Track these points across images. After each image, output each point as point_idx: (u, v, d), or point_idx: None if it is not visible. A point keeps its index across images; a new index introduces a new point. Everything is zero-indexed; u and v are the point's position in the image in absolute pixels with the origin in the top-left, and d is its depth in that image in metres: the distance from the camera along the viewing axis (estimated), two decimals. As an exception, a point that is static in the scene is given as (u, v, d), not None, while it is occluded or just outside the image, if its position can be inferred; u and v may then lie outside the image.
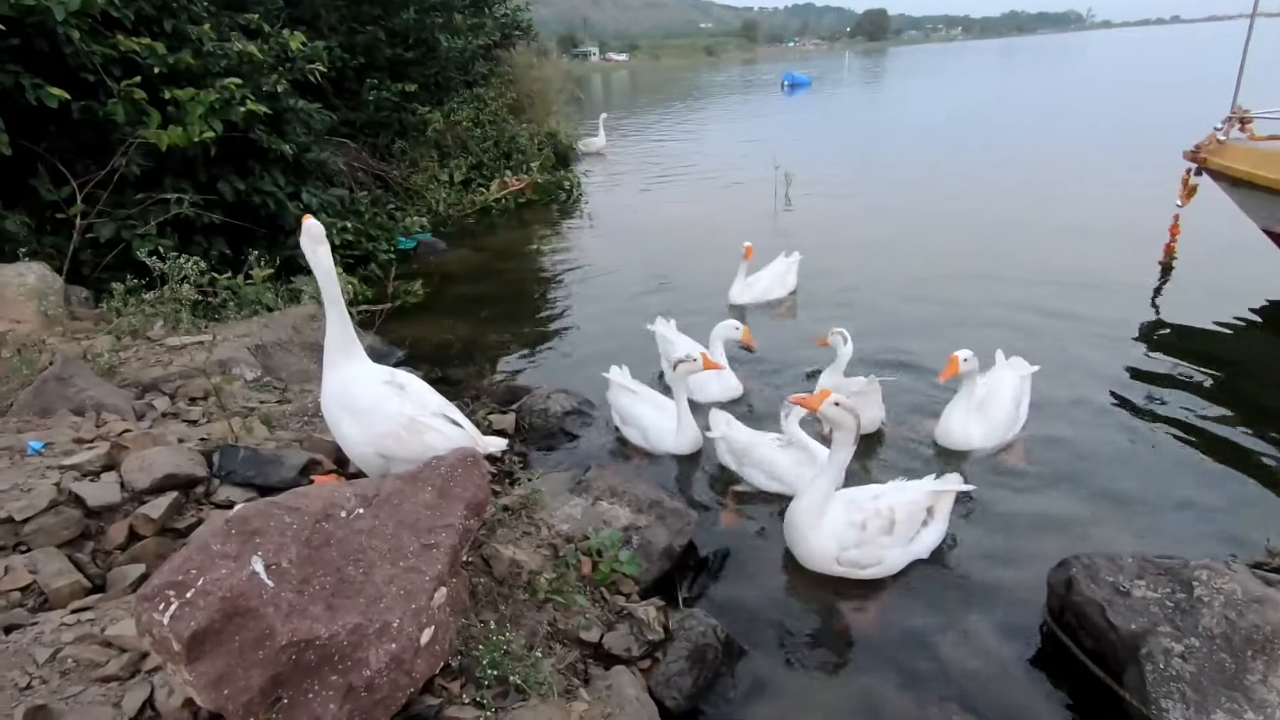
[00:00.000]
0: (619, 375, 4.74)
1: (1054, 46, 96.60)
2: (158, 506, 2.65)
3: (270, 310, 6.04)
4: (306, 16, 10.91)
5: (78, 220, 6.04)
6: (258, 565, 1.67)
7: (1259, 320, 6.23)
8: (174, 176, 6.94)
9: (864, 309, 6.74)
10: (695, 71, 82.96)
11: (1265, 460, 4.11)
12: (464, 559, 2.56)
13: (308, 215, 2.95)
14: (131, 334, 5.07)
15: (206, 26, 7.50)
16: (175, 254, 5.44)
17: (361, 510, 1.99)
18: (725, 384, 5.08)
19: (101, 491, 2.68)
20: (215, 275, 5.91)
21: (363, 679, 1.77)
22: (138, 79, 6.35)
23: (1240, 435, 4.37)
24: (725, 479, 4.19)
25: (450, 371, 5.98)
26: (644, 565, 3.17)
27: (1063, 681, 2.79)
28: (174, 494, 2.75)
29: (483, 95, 13.18)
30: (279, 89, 7.89)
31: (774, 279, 7.13)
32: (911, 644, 3.02)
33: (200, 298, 5.51)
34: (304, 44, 8.36)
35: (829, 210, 11.00)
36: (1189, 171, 7.01)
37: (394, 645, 1.83)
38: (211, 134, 6.61)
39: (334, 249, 7.19)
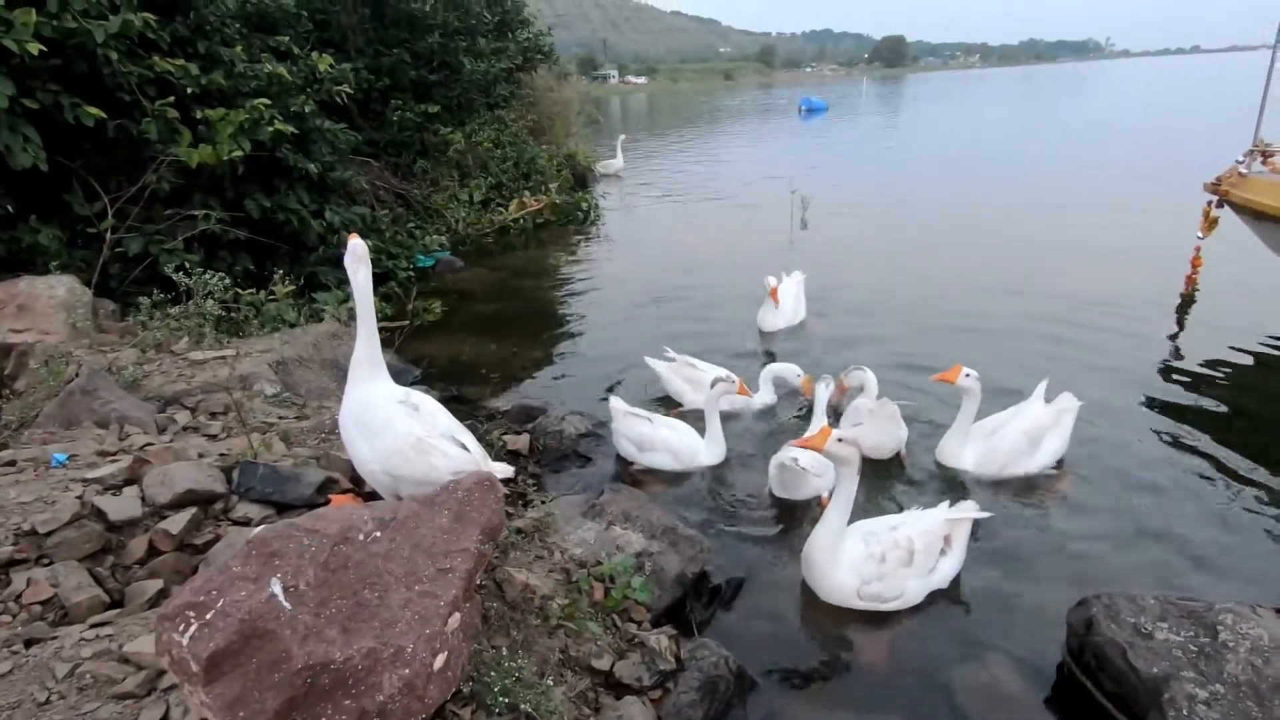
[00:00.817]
0: (623, 404, 4.71)
1: (1073, 75, 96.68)
2: (177, 522, 2.68)
3: (291, 326, 6.13)
4: (335, 39, 11.19)
5: (108, 235, 6.19)
6: (276, 587, 1.69)
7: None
8: (202, 193, 7.11)
9: (874, 334, 6.73)
10: (713, 95, 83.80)
11: (1289, 500, 4.04)
12: (478, 583, 2.56)
13: (354, 234, 3.03)
14: (156, 347, 5.16)
15: (239, 48, 7.73)
16: (201, 269, 5.55)
17: (378, 533, 2.00)
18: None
19: (123, 506, 2.72)
20: (239, 291, 6.02)
21: (375, 704, 1.77)
22: (171, 99, 6.54)
23: (1264, 475, 4.29)
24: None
25: (466, 390, 6.02)
26: (656, 593, 3.15)
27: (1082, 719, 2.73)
28: (193, 509, 2.78)
29: (503, 117, 13.40)
30: (306, 109, 8.08)
31: (794, 301, 7.15)
32: (926, 680, 2.98)
33: (224, 313, 5.61)
34: (332, 66, 8.57)
35: (844, 235, 11.01)
36: (1210, 204, 6.98)
37: (407, 670, 1.83)
38: (240, 153, 6.77)
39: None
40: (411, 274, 9.13)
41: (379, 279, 8.77)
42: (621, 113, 46.73)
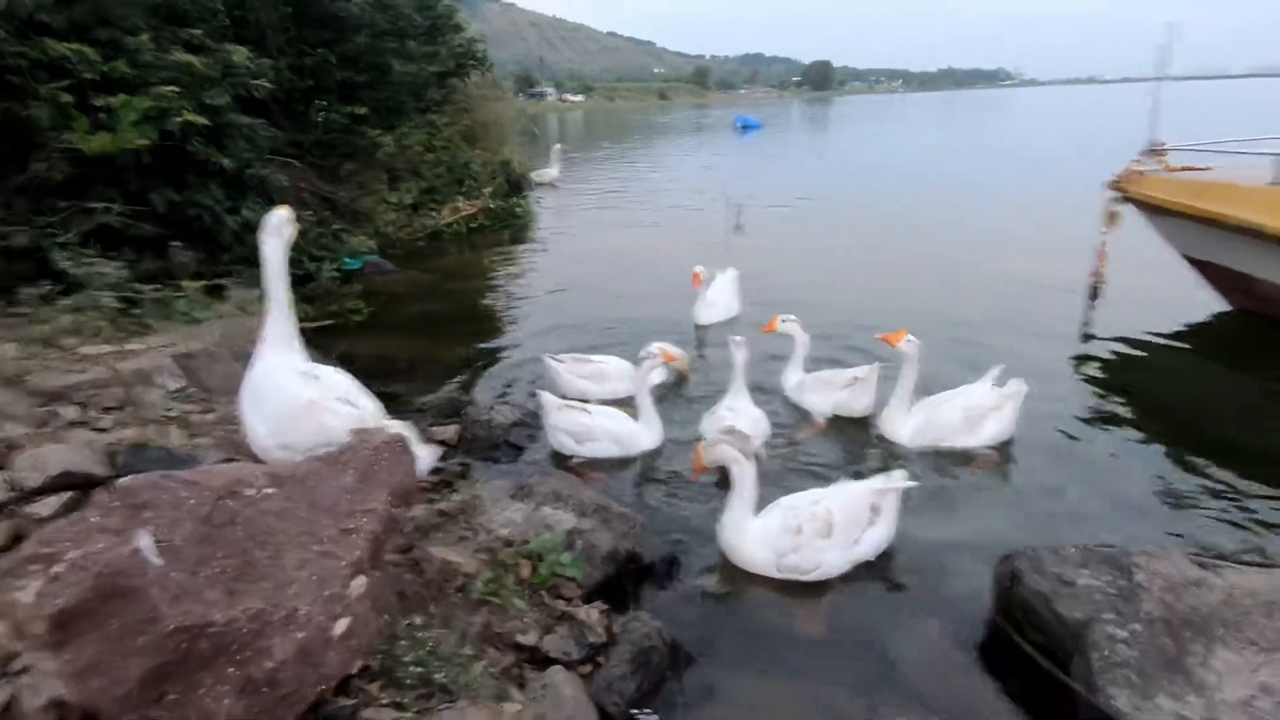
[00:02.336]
0: (556, 398, 4.59)
1: (986, 100, 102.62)
2: (48, 505, 2.41)
3: (201, 324, 5.75)
4: (253, 37, 10.71)
5: (-11, 227, 5.69)
6: (144, 541, 1.50)
7: (1180, 338, 6.55)
8: (102, 185, 6.64)
9: (809, 326, 6.81)
10: (649, 113, 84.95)
11: (1189, 465, 4.27)
12: (391, 558, 2.39)
13: (284, 206, 2.87)
14: (43, 342, 4.73)
15: (145, 38, 7.29)
16: (94, 260, 5.16)
17: (271, 490, 1.83)
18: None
19: (-17, 490, 2.43)
20: (140, 287, 5.63)
21: (264, 671, 1.59)
22: (65, 82, 6.09)
23: (1163, 444, 4.54)
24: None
25: (393, 387, 5.74)
26: (587, 569, 3.03)
27: (1013, 675, 2.75)
28: (69, 494, 2.51)
29: (435, 121, 13.12)
30: (221, 102, 7.68)
31: (729, 296, 7.20)
32: (861, 646, 2.95)
33: (124, 307, 5.21)
34: (249, 58, 8.19)
35: (779, 240, 11.21)
36: (1112, 200, 7.40)
37: (301, 635, 1.66)
38: (145, 142, 6.35)
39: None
40: (336, 276, 8.76)
41: (301, 280, 8.38)
42: (559, 128, 46.64)
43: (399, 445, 2.16)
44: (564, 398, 4.66)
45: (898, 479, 3.48)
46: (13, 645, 1.59)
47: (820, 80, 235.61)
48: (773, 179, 18.92)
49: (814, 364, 5.33)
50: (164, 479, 1.65)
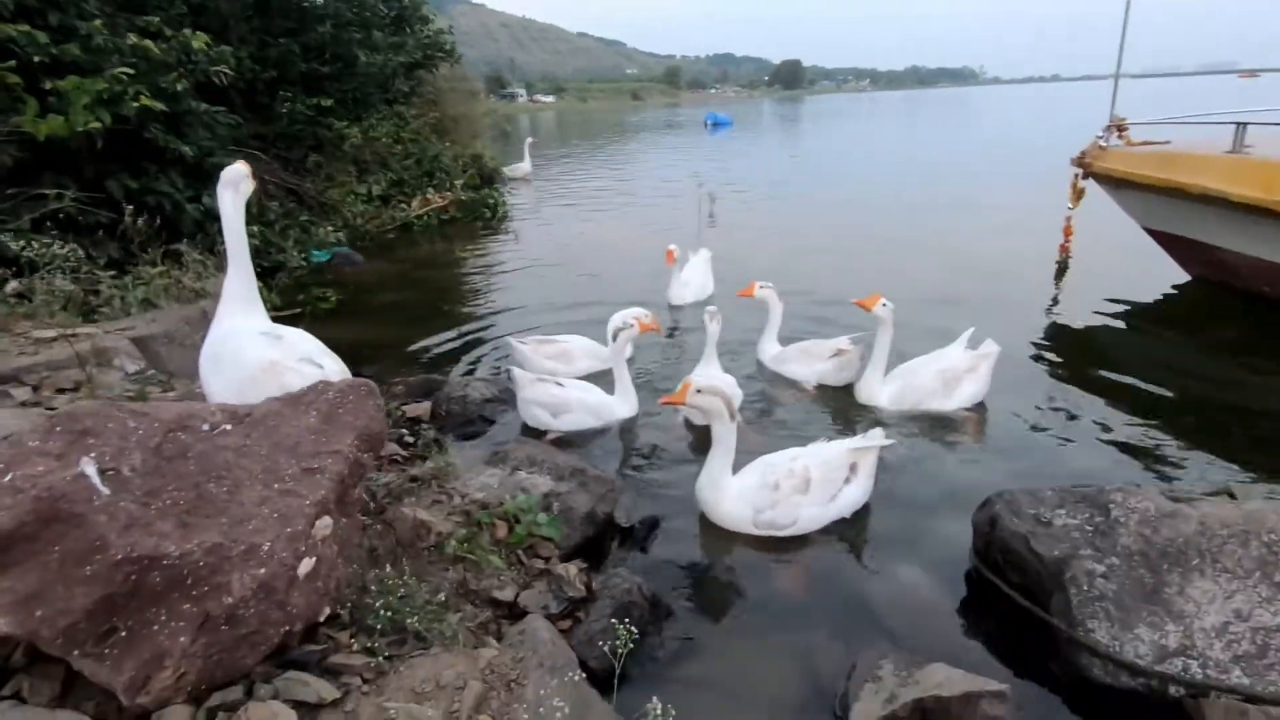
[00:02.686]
0: (528, 373, 4.52)
1: (952, 98, 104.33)
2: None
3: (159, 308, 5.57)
4: (214, 26, 10.46)
5: (-68, 214, 5.46)
6: (89, 467, 1.42)
7: (1142, 307, 6.70)
8: (54, 172, 6.41)
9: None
10: (621, 113, 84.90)
11: (1155, 418, 4.37)
12: (361, 519, 2.31)
13: (241, 161, 2.80)
14: (-8, 327, 4.54)
15: (98, 23, 7.05)
16: (48, 244, 4.97)
17: (229, 426, 1.74)
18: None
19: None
20: (97, 273, 5.45)
21: (223, 607, 1.51)
22: (12, 63, 5.86)
23: (1129, 400, 4.65)
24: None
25: (364, 370, 5.60)
26: (565, 530, 2.97)
27: (994, 617, 2.75)
28: (17, 458, 2.39)
29: (403, 113, 12.94)
30: (179, 88, 7.47)
31: (703, 276, 7.19)
32: (841, 596, 2.94)
33: (78, 291, 5.03)
34: (208, 44, 7.98)
35: (751, 229, 11.22)
36: (1076, 176, 7.54)
37: (263, 571, 1.58)
38: (98, 124, 6.14)
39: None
40: (303, 267, 8.59)
41: (269, 271, 8.18)
42: (531, 128, 46.34)
43: (364, 389, 2.08)
44: None
45: (875, 438, 3.47)
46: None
47: (790, 79, 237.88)
48: (742, 172, 18.98)
49: (786, 335, 5.34)
50: (110, 407, 1.56)
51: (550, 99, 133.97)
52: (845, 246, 9.43)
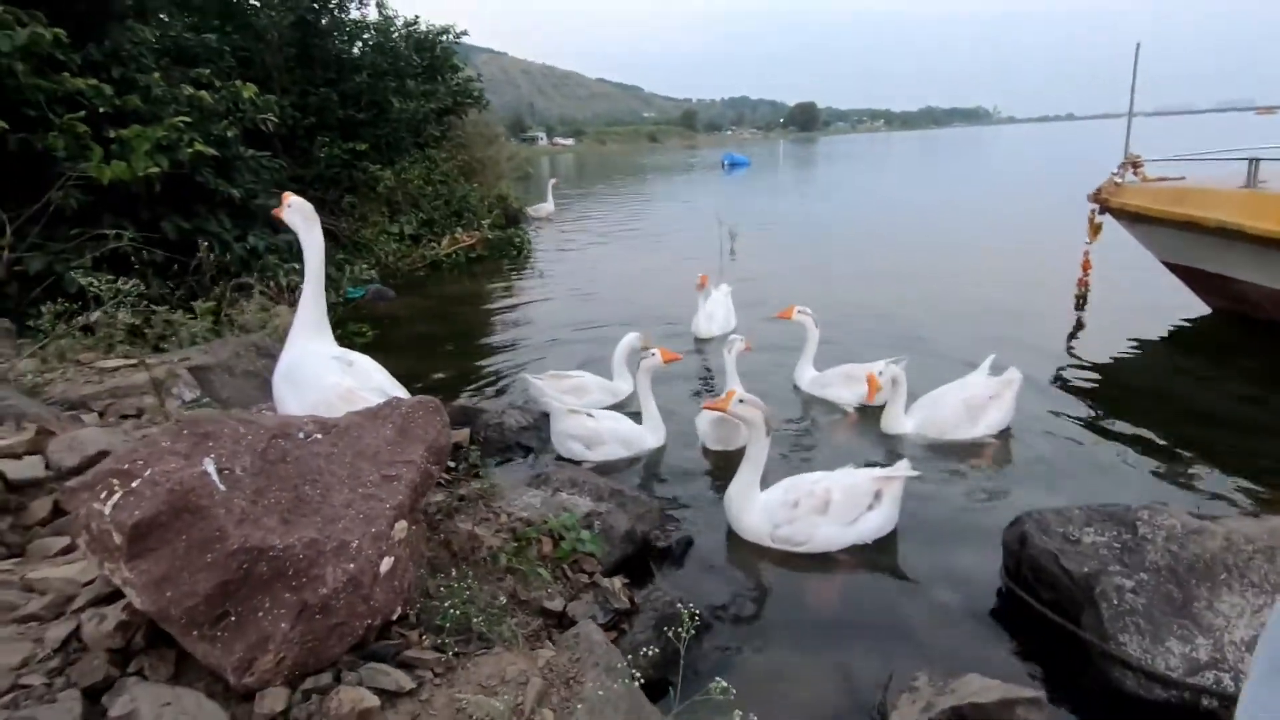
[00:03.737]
0: (565, 403, 4.71)
1: (967, 138, 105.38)
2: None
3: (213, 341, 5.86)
4: (259, 77, 11.09)
5: (5, 253, 5.82)
6: (210, 466, 1.60)
7: (1163, 338, 6.77)
8: (114, 214, 6.80)
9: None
10: (639, 155, 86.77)
11: (1176, 445, 4.44)
12: (425, 519, 2.47)
13: (288, 194, 3.04)
14: (60, 358, 4.82)
15: (156, 75, 7.56)
16: (112, 279, 5.29)
17: (319, 435, 1.92)
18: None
19: (23, 468, 2.50)
20: (155, 308, 5.77)
21: (318, 598, 1.67)
22: (82, 113, 6.30)
23: (1152, 427, 4.69)
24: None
25: (400, 401, 5.84)
26: (606, 548, 3.10)
27: (1026, 633, 2.82)
28: (106, 472, 2.58)
29: (434, 156, 13.47)
30: (229, 134, 7.93)
31: (726, 310, 7.37)
32: (876, 614, 3.02)
33: (137, 323, 5.32)
34: (256, 94, 8.47)
35: (772, 263, 11.45)
36: (1093, 212, 7.68)
37: (352, 565, 1.74)
38: (156, 169, 6.54)
39: (283, 291, 7.12)
40: (340, 302, 8.91)
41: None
42: (551, 170, 47.59)
43: (432, 406, 2.26)
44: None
45: (901, 469, 3.56)
46: (82, 546, 1.67)
47: (806, 121, 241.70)
48: (761, 209, 19.35)
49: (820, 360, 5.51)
50: (223, 415, 1.75)
51: (570, 142, 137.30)
52: (865, 280, 9.61)
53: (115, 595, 1.68)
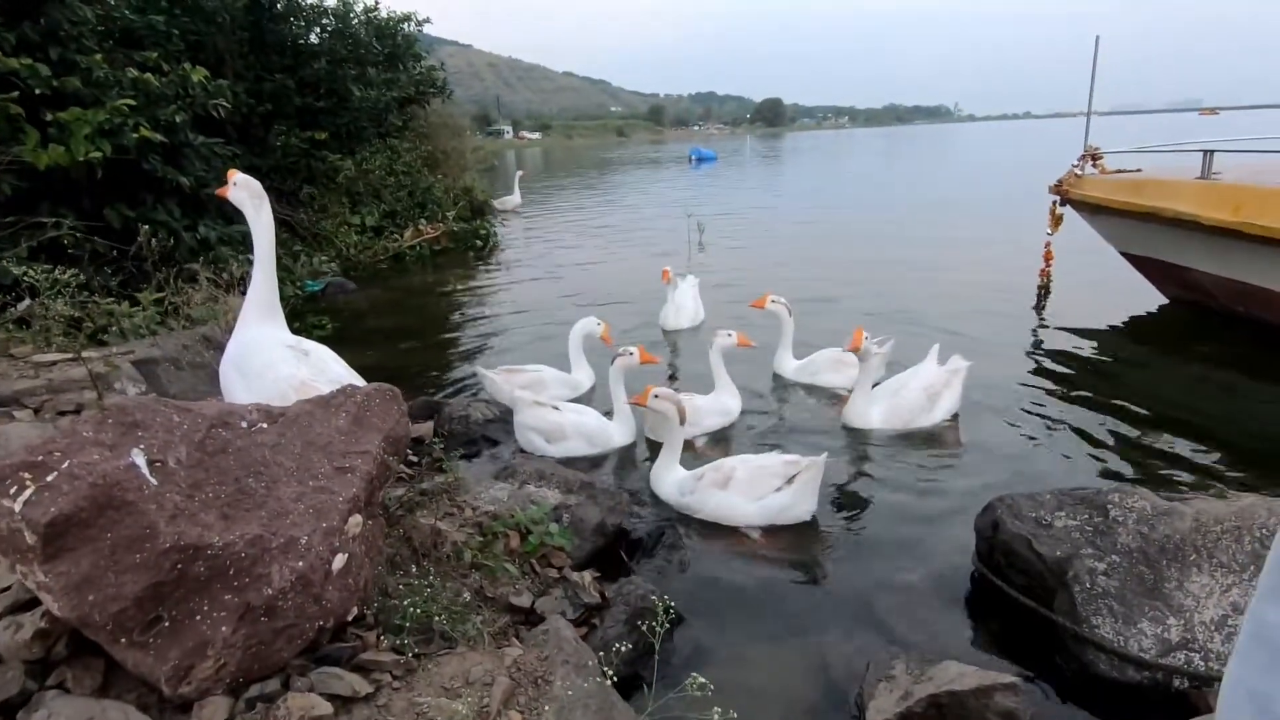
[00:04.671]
0: (529, 394, 4.61)
1: (930, 134, 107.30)
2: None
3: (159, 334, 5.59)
4: (211, 61, 10.64)
5: (-71, 242, 5.47)
6: (139, 458, 1.46)
7: (1121, 326, 6.93)
8: (53, 201, 6.45)
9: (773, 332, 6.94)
10: (607, 149, 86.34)
11: (1134, 428, 4.52)
12: (383, 511, 2.34)
13: (233, 172, 2.85)
14: (-9, 350, 4.53)
15: (98, 57, 7.18)
16: (49, 269, 5.00)
17: (265, 425, 1.79)
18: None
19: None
20: (97, 301, 5.48)
21: (263, 599, 1.54)
22: (15, 94, 5.95)
23: (1110, 413, 4.78)
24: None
25: (362, 395, 5.65)
26: (576, 541, 3.01)
27: (999, 617, 2.81)
28: (34, 470, 2.40)
29: (396, 146, 13.14)
30: (178, 120, 7.58)
31: (694, 302, 7.30)
32: (850, 604, 2.98)
33: (77, 315, 5.04)
34: (206, 78, 8.12)
35: (740, 256, 11.43)
36: (1055, 203, 7.81)
37: (301, 563, 1.62)
38: (98, 154, 6.21)
39: (235, 282, 6.84)
40: (297, 295, 8.63)
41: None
42: (517, 163, 47.00)
43: (389, 393, 2.13)
44: None
45: (810, 459, 3.54)
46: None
47: (772, 117, 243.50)
48: (728, 202, 19.36)
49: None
50: (156, 402, 1.61)
51: (536, 135, 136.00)
52: (831, 271, 9.64)
53: (34, 601, 1.53)
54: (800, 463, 3.54)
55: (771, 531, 3.52)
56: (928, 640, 2.72)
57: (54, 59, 6.77)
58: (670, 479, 3.82)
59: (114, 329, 5.46)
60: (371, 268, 10.95)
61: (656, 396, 3.85)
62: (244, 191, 2.66)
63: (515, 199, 17.94)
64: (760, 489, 3.55)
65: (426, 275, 10.82)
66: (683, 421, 3.83)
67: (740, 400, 4.84)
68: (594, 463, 4.41)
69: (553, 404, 4.55)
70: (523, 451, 4.45)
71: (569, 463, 4.15)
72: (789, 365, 5.49)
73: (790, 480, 3.51)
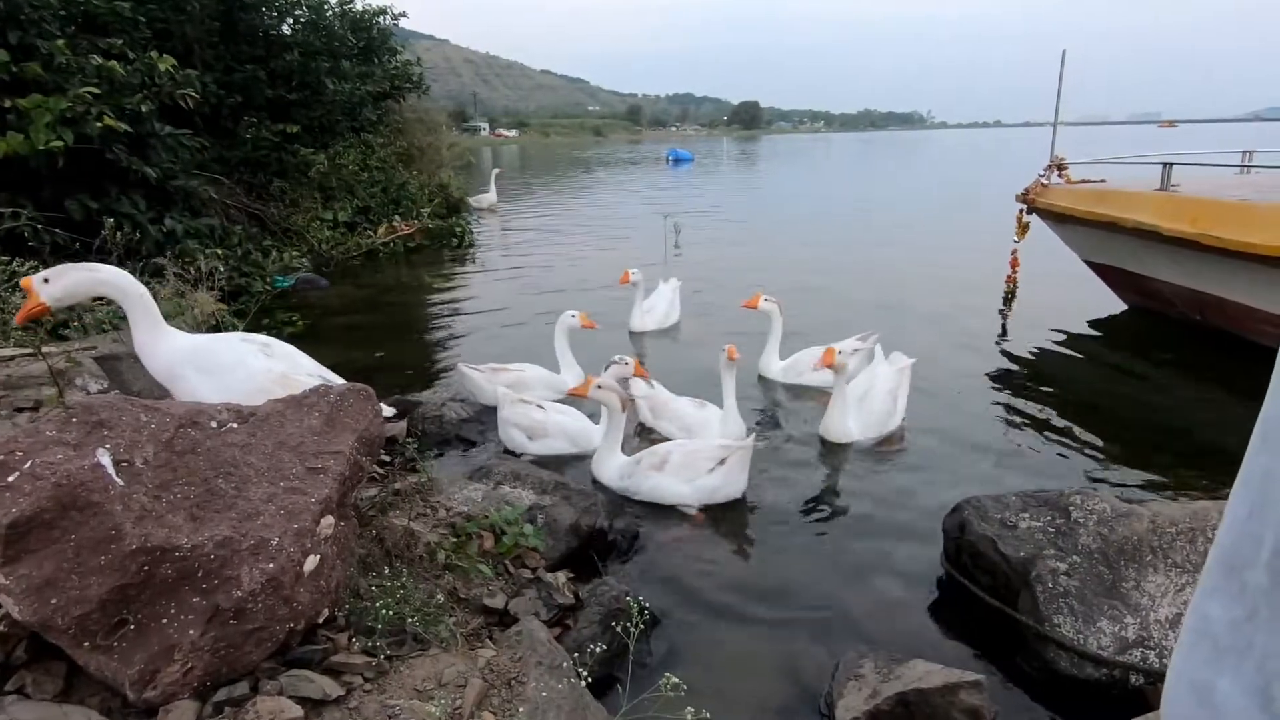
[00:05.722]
0: (512, 392, 4.58)
1: (903, 140, 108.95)
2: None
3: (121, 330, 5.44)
4: (179, 50, 10.38)
5: (-119, 231, 5.27)
6: (104, 458, 1.43)
7: (1083, 332, 7.11)
8: (11, 191, 6.25)
9: (744, 334, 6.99)
10: (584, 148, 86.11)
11: (1092, 431, 4.65)
12: (355, 511, 2.32)
13: (27, 279, 2.60)
14: (-56, 346, 4.38)
15: (60, 43, 6.97)
16: (5, 260, 4.84)
17: (235, 425, 1.76)
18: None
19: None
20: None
21: (232, 601, 1.52)
22: (-28, 80, 5.76)
23: (1071, 417, 4.90)
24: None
25: (333, 393, 5.56)
26: (550, 541, 3.01)
27: (965, 618, 2.87)
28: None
29: (370, 141, 12.96)
30: (144, 109, 7.39)
31: (668, 305, 7.31)
32: (821, 604, 3.03)
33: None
34: (174, 67, 7.93)
35: (716, 258, 11.49)
36: (1021, 211, 7.99)
37: (272, 565, 1.59)
38: (60, 143, 6.04)
39: (205, 277, 6.68)
40: (266, 291, 8.46)
41: (232, 295, 8.04)
42: (494, 161, 46.65)
43: (363, 393, 2.11)
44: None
45: (740, 441, 3.79)
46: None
47: (749, 120, 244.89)
48: (705, 204, 19.45)
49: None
50: (123, 401, 1.57)
51: (513, 133, 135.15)
52: (801, 275, 9.73)
53: (-8, 604, 1.49)
54: (731, 446, 3.74)
55: (745, 536, 3.56)
56: (896, 640, 2.77)
57: (13, 43, 6.57)
58: (612, 464, 3.98)
59: (75, 324, 5.32)
60: (344, 264, 10.79)
61: (599, 387, 3.99)
62: (70, 274, 2.47)
63: (491, 197, 17.82)
64: (694, 471, 3.74)
65: (401, 272, 10.69)
66: (624, 409, 4.01)
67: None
68: (573, 463, 4.39)
69: (538, 402, 4.53)
70: (508, 452, 4.42)
71: (545, 463, 4.14)
72: (775, 366, 5.52)
73: (722, 462, 3.70)
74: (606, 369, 4.49)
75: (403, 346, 7.01)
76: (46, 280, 2.47)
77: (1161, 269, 6.69)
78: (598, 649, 2.45)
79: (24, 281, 2.52)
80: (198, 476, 1.59)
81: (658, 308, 7.23)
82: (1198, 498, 3.34)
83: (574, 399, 4.84)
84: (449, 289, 9.49)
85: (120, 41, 8.13)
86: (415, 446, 3.25)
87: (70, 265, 2.58)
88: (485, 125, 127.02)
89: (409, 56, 14.91)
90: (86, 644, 1.36)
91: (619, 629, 2.38)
